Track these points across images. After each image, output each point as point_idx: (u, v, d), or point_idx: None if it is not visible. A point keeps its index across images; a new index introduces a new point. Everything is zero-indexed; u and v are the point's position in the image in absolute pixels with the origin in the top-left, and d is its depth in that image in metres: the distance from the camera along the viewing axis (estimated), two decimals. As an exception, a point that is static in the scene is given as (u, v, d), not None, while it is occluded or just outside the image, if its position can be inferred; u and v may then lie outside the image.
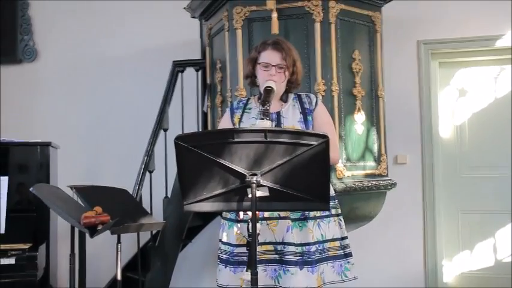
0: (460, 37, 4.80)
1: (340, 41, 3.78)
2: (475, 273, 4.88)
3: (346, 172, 3.73)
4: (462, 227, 4.94)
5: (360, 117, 3.86)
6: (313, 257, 2.64)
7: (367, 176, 3.87)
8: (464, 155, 4.97)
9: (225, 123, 2.90)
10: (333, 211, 2.77)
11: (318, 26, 3.70)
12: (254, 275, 2.09)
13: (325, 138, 2.07)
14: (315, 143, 2.07)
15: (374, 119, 3.98)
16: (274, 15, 3.53)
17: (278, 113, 2.77)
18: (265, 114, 2.47)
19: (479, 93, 4.94)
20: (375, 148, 3.96)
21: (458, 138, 5.00)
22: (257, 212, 2.22)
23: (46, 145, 4.28)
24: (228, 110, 2.93)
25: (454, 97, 5.01)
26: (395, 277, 4.82)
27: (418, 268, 4.84)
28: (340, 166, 3.68)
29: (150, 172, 4.32)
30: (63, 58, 5.37)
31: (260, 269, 2.61)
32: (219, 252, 2.80)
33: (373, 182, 3.84)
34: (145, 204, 4.08)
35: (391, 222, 4.77)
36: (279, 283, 2.63)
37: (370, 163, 3.91)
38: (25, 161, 4.18)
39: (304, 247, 2.64)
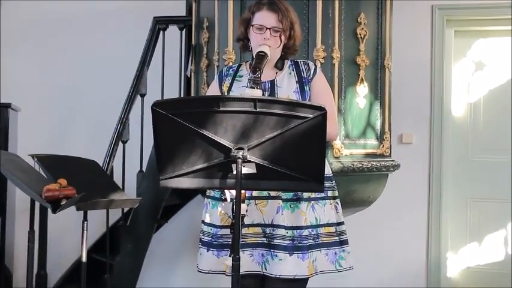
0: (480, 3, 4.78)
1: (344, 2, 3.76)
2: (482, 268, 4.94)
3: (344, 150, 3.74)
4: (471, 216, 4.99)
5: (362, 90, 3.87)
6: (305, 242, 2.67)
7: (367, 155, 3.88)
8: (477, 136, 4.99)
9: (212, 91, 2.90)
10: (330, 193, 2.79)
11: (320, -17, 3.68)
12: (236, 261, 2.10)
13: (322, 111, 2.07)
14: (311, 116, 2.07)
15: (378, 92, 3.98)
16: (271, -32, 3.49)
17: (272, 82, 2.77)
18: (255, 82, 2.46)
19: (498, 68, 4.95)
20: (378, 125, 3.97)
21: (472, 117, 5.02)
22: (244, 191, 2.24)
23: (5, 107, 4.26)
24: (216, 77, 2.93)
25: (470, 71, 5.02)
26: (393, 269, 4.88)
27: (419, 260, 4.89)
28: (337, 143, 3.69)
29: (124, 142, 4.31)
30: (30, 9, 5.30)
31: (246, 253, 2.65)
32: (201, 234, 2.82)
33: (374, 163, 3.86)
34: (117, 178, 4.08)
35: (392, 208, 4.80)
36: (266, 269, 2.66)
37: (372, 141, 3.93)
38: (-20, 125, 4.17)
39: (295, 231, 2.66)
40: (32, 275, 3.67)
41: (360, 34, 3.85)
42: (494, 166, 4.93)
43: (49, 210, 3.05)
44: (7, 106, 4.25)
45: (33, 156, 3.62)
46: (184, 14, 4.66)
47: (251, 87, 2.45)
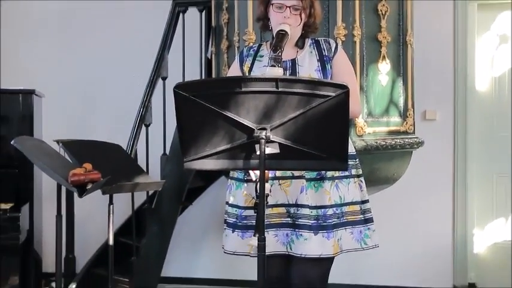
0: (503, -26, 4.71)
1: (364, -21, 3.73)
2: (509, 243, 4.90)
3: (367, 128, 3.72)
4: (497, 191, 4.95)
5: (384, 67, 3.83)
6: (330, 221, 2.67)
7: (391, 133, 3.86)
8: (502, 111, 4.93)
9: (233, 72, 2.90)
10: (353, 171, 2.78)
11: (339, -41, 3.64)
12: (261, 240, 2.11)
13: (344, 89, 2.05)
14: (333, 94, 2.06)
15: (401, 69, 3.94)
16: None
17: (293, 61, 2.76)
18: (276, 60, 2.45)
19: (523, 40, 4.88)
20: (401, 102, 3.94)
21: (497, 91, 4.96)
22: (268, 171, 2.24)
23: (29, 93, 4.29)
24: (237, 57, 2.93)
25: (494, 44, 4.94)
26: (419, 246, 4.87)
27: (446, 237, 4.88)
28: (360, 122, 3.68)
29: (147, 126, 4.33)
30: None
31: (271, 233, 2.65)
32: (226, 215, 2.84)
33: (398, 140, 3.84)
34: (141, 162, 4.11)
35: (417, 185, 4.78)
36: (291, 249, 2.67)
37: (395, 119, 3.91)
38: (5, 111, 4.21)
39: (319, 210, 2.66)
40: (61, 258, 3.73)
41: (381, 10, 3.81)
42: (520, 141, 4.87)
43: (75, 195, 3.08)
44: (31, 92, 4.28)
45: (58, 142, 3.65)
46: (204, -4, 4.65)
47: (272, 66, 2.44)
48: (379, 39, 3.80)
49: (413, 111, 4.02)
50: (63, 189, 3.63)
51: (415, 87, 4.06)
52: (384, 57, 3.83)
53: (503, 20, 4.91)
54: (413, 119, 4.02)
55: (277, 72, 2.41)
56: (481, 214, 4.95)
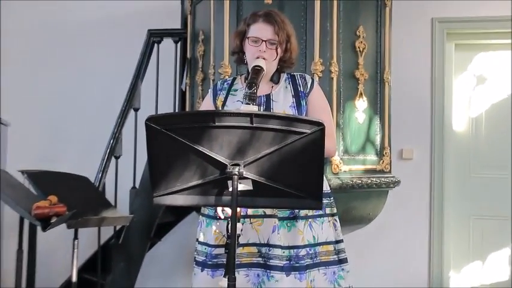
0: (480, 16, 4.81)
1: (343, 15, 3.76)
2: (486, 287, 4.92)
3: (343, 166, 3.73)
4: (474, 234, 4.97)
5: (361, 104, 3.86)
6: (303, 262, 2.64)
7: (367, 171, 3.87)
8: (479, 151, 4.99)
9: (206, 106, 2.88)
10: (328, 210, 2.76)
11: (318, -4, 3.68)
12: (231, 281, 2.07)
13: (320, 126, 2.05)
14: (308, 131, 2.05)
15: (378, 107, 3.97)
16: (268, -19, 3.52)
17: (268, 96, 2.75)
18: (251, 98, 2.44)
19: (500, 81, 4.96)
20: (378, 140, 3.96)
21: (473, 132, 5.02)
22: (239, 209, 2.21)
23: (-6, 122, 4.24)
24: (210, 91, 2.91)
25: (471, 85, 5.02)
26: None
27: (421, 280, 4.87)
28: (336, 159, 3.68)
29: (116, 158, 4.29)
30: (20, 23, 5.30)
31: (241, 274, 2.62)
32: (195, 253, 2.79)
33: (374, 179, 3.85)
34: (109, 195, 4.06)
35: (393, 225, 4.79)
36: (262, 291, 2.63)
37: (371, 157, 3.92)
38: (-32, 139, 4.15)
39: (292, 250, 2.64)
40: (21, 295, 3.64)
41: (359, 48, 3.84)
42: (496, 182, 4.92)
43: (39, 228, 3.02)
44: (-4, 121, 4.24)
45: (22, 172, 3.59)
46: (180, 27, 4.66)
47: (247, 104, 2.42)
48: (357, 76, 3.83)
49: (390, 149, 4.04)
50: (26, 222, 3.56)
51: (392, 125, 4.09)
52: (361, 94, 3.85)
53: (480, 60, 5.00)
54: (390, 158, 4.03)
55: (252, 109, 2.39)
56: (457, 256, 4.96)
